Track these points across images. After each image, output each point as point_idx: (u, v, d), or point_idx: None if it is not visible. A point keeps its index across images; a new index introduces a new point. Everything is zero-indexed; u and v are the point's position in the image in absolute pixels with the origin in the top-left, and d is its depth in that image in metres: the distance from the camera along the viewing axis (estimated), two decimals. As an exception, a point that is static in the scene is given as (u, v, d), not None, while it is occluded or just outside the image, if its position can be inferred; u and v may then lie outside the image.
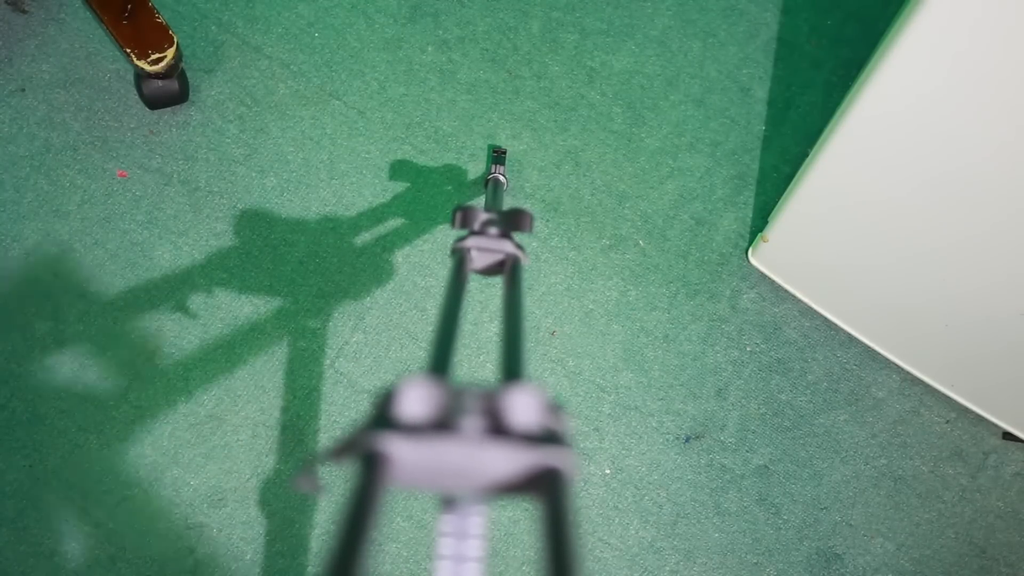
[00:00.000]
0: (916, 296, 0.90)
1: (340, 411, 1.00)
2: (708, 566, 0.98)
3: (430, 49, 1.13)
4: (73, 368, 0.99)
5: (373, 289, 1.04)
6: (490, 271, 0.53)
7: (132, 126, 1.08)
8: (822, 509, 1.01)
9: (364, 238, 1.06)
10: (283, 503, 0.97)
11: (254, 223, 1.06)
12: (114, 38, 1.00)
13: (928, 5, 0.58)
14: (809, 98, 1.13)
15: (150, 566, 0.94)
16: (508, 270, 0.51)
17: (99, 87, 1.08)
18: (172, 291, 1.03)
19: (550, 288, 1.06)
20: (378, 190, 1.07)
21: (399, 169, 1.08)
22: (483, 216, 0.56)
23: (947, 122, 0.66)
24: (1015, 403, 0.97)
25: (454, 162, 1.09)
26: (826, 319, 1.05)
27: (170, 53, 1.00)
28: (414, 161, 1.09)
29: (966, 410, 1.03)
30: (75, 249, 1.03)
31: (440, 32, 1.13)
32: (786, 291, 1.06)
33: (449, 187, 1.08)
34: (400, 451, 0.25)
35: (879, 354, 1.04)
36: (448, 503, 0.28)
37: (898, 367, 1.04)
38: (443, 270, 1.05)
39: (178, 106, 1.08)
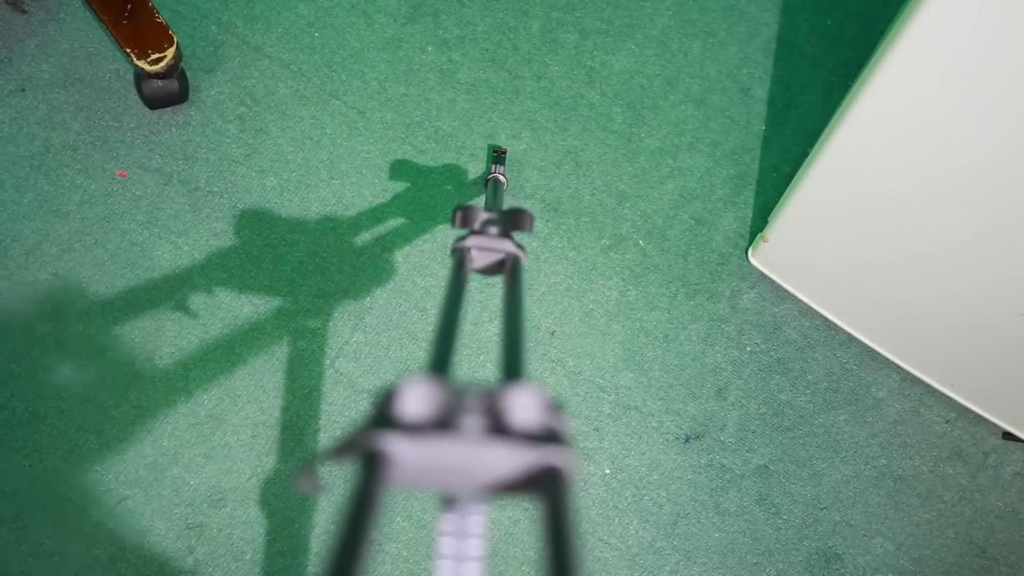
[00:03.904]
0: (916, 296, 0.90)
1: (340, 411, 1.00)
2: (708, 566, 0.98)
3: (430, 49, 1.13)
4: (73, 368, 0.99)
5: (373, 289, 1.04)
6: (490, 271, 0.53)
7: (132, 126, 1.08)
8: (822, 509, 1.01)
9: (364, 238, 1.06)
10: (283, 503, 0.97)
11: (254, 223, 1.06)
12: (114, 38, 1.00)
13: (928, 5, 0.58)
14: (809, 98, 1.13)
15: (150, 566, 0.94)
16: (508, 270, 0.51)
17: (99, 87, 1.08)
18: (172, 291, 1.02)
19: (550, 288, 1.06)
20: (378, 190, 1.07)
21: (399, 169, 1.08)
22: (483, 216, 0.56)
23: (947, 122, 0.66)
24: (1015, 403, 0.97)
25: (454, 162, 1.09)
26: (826, 319, 1.05)
27: (170, 53, 1.00)
28: (414, 161, 1.09)
29: (966, 410, 1.03)
30: (75, 249, 1.03)
31: (440, 32, 1.13)
32: (786, 291, 1.06)
33: (449, 187, 1.08)
34: (400, 450, 0.25)
35: (879, 354, 1.04)
36: (448, 502, 0.28)
37: (898, 367, 1.04)
38: (443, 270, 1.05)
39: (178, 106, 1.08)
